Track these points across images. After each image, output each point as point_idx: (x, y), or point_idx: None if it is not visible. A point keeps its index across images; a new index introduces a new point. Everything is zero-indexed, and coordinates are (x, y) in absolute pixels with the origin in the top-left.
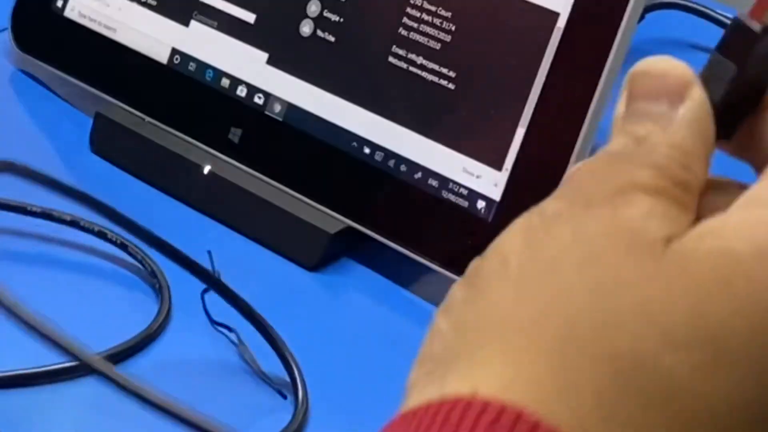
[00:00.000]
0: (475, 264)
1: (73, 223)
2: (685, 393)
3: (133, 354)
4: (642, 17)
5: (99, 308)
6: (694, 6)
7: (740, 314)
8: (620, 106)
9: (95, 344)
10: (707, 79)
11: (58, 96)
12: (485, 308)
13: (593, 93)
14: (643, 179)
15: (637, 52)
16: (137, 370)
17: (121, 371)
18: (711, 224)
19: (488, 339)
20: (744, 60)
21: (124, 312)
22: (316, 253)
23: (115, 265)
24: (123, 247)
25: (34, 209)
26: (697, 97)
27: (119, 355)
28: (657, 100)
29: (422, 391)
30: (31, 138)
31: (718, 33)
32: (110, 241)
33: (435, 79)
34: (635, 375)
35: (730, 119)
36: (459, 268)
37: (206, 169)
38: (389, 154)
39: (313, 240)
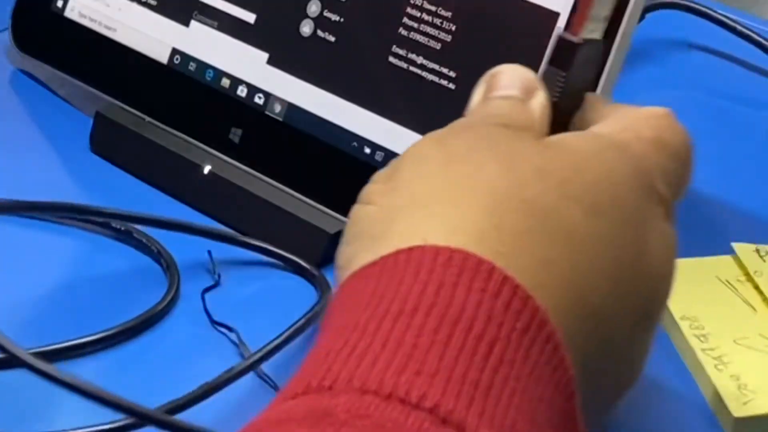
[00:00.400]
0: (385, 171)
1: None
2: (578, 231)
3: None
4: (642, 17)
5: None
6: (695, 6)
7: (609, 173)
8: (476, 97)
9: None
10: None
11: (58, 96)
12: (414, 189)
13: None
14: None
15: (638, 52)
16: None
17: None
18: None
19: (423, 207)
20: (568, 68)
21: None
22: (317, 253)
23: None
24: (127, 233)
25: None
26: (543, 95)
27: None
28: (513, 89)
29: (365, 257)
30: (31, 138)
31: (718, 33)
32: (115, 229)
33: (435, 79)
34: (543, 219)
35: (562, 117)
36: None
37: (206, 169)
38: (389, 154)
39: (313, 240)
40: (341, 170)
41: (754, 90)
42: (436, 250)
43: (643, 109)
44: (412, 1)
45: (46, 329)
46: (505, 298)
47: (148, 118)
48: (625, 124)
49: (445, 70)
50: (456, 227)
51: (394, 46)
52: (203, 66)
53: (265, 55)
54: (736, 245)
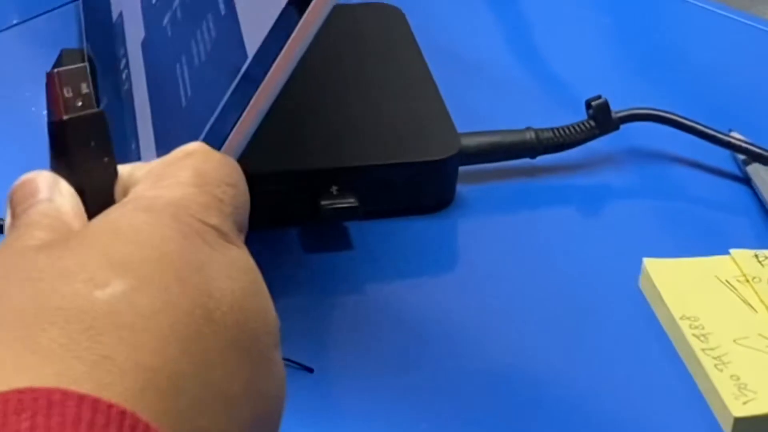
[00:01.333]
0: None
1: None
2: (124, 314)
3: None
4: (617, 127)
5: None
6: (670, 117)
7: (138, 234)
8: (8, 219)
9: None
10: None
11: None
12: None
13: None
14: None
15: (612, 162)
16: None
17: None
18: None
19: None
20: (68, 149)
21: None
22: None
23: None
24: None
25: None
26: (64, 185)
27: None
28: (37, 194)
29: None
30: None
31: (694, 143)
32: None
33: (182, 93)
34: (77, 320)
35: (100, 198)
36: None
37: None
38: (137, 154)
39: None
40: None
41: (728, 197)
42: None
43: (173, 153)
44: (207, 17)
45: None
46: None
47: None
48: (159, 175)
49: (188, 87)
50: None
51: (183, 55)
52: (123, 33)
53: (143, 35)
54: (733, 251)
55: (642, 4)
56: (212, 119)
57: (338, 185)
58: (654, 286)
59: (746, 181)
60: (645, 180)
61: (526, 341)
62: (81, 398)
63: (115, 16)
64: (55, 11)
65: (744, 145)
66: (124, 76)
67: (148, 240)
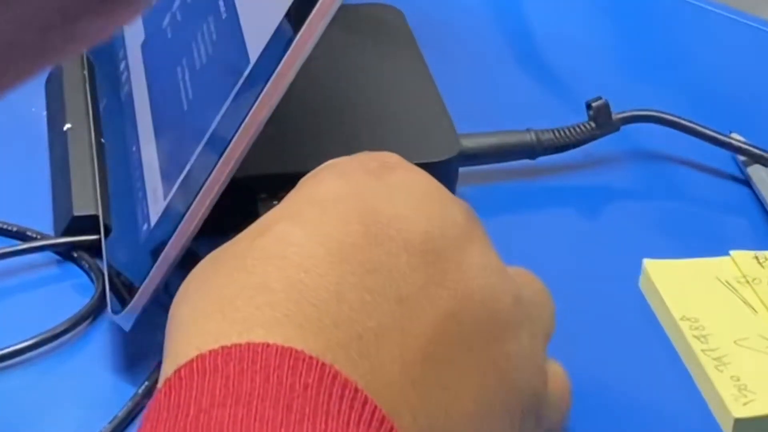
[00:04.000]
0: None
1: None
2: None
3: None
4: (617, 128)
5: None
6: (670, 118)
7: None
8: None
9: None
10: None
11: None
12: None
13: (222, 154)
14: None
15: (613, 163)
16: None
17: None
18: None
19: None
20: None
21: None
22: (60, 229)
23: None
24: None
25: None
26: None
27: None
28: None
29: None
30: None
31: (695, 144)
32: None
33: (183, 96)
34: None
35: None
36: (111, 278)
37: (66, 126)
38: (139, 158)
39: (61, 217)
40: (118, 163)
41: (728, 198)
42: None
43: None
44: (208, 19)
45: None
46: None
47: (85, 68)
48: None
49: (189, 90)
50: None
51: (184, 59)
52: (122, 33)
53: (143, 37)
54: (733, 253)
55: (642, 5)
56: (214, 124)
57: None
58: (654, 286)
59: (747, 182)
60: (645, 181)
61: None
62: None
63: None
64: None
65: (744, 146)
66: (123, 78)
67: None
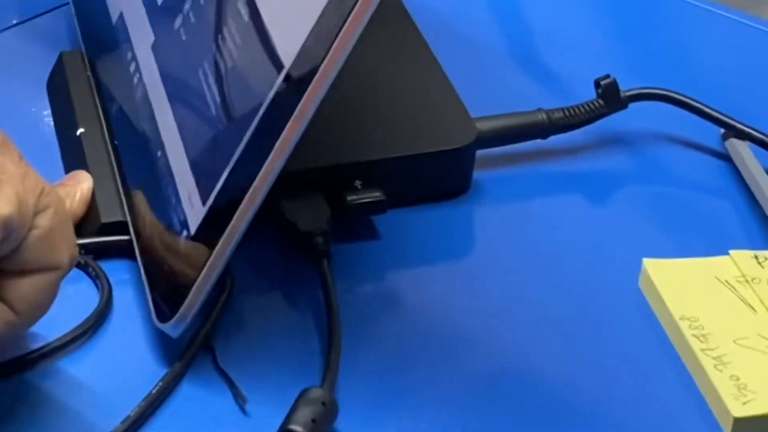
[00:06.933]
0: None
1: None
2: None
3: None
4: (625, 106)
5: None
6: (677, 97)
7: None
8: None
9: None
10: None
11: None
12: None
13: (266, 158)
14: None
15: (621, 142)
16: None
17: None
18: None
19: None
20: None
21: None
22: (90, 236)
23: None
24: None
25: None
26: None
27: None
28: None
29: None
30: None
31: (700, 124)
32: None
33: (210, 101)
34: None
35: None
36: (154, 291)
37: (79, 131)
38: (165, 163)
39: (90, 223)
40: (143, 167)
41: (729, 197)
42: None
43: None
44: (228, 22)
45: None
46: None
47: (88, 70)
48: None
49: (216, 96)
50: None
51: (205, 61)
52: (126, 34)
53: (152, 39)
54: (733, 252)
55: (642, 5)
56: (253, 126)
57: (361, 179)
58: (654, 286)
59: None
60: (651, 160)
61: (525, 341)
62: None
63: (114, 17)
64: (55, 11)
65: (747, 129)
66: (135, 80)
67: None
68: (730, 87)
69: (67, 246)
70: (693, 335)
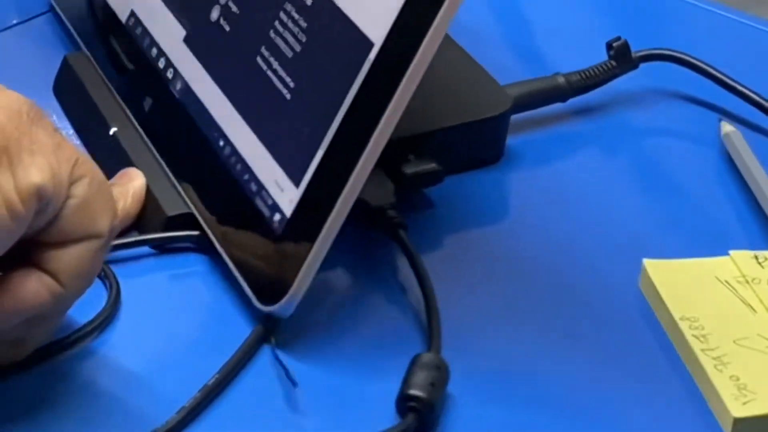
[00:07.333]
0: None
1: None
2: None
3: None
4: (636, 66)
5: None
6: (685, 58)
7: None
8: None
9: None
10: None
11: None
12: None
13: (373, 131)
14: None
15: (631, 101)
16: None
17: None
18: None
19: None
20: None
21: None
22: (156, 231)
23: None
24: None
25: None
26: None
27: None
28: None
29: None
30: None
31: (709, 87)
32: None
33: (280, 86)
34: None
35: None
36: (249, 277)
37: (112, 131)
38: (233, 151)
39: (153, 218)
40: (201, 157)
41: (728, 197)
42: None
43: None
44: (285, 7)
45: None
46: None
47: (99, 71)
48: None
49: (288, 79)
50: None
51: (263, 47)
52: (144, 32)
53: (183, 32)
54: (733, 253)
55: (641, 5)
56: (347, 102)
57: (414, 153)
58: (654, 286)
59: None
60: (663, 118)
61: (524, 341)
62: None
63: (124, 17)
64: (55, 11)
65: (753, 95)
66: (169, 74)
67: None
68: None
69: (107, 214)
70: (693, 335)
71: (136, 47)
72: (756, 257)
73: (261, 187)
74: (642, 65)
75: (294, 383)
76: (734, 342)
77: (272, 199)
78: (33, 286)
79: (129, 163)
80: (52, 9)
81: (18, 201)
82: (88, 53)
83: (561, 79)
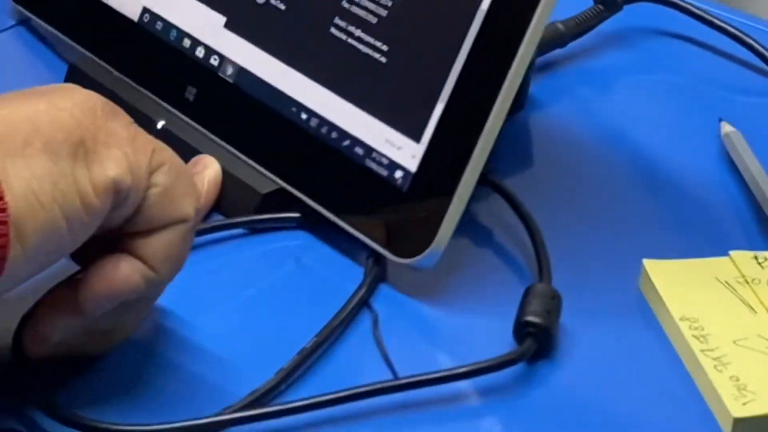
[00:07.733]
0: None
1: None
2: None
3: None
4: (620, 8)
5: None
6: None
7: None
8: None
9: None
10: None
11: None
12: None
13: (506, 74)
14: None
15: (617, 40)
16: None
17: None
18: None
19: None
20: None
21: None
22: (247, 212)
23: None
24: None
25: None
26: None
27: None
28: None
29: None
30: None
31: (693, 25)
32: None
33: (369, 51)
34: None
35: None
36: (375, 235)
37: (160, 124)
38: (323, 121)
39: (245, 198)
40: (281, 134)
41: (728, 77)
42: None
43: None
44: None
45: None
46: None
47: (116, 72)
48: None
49: (378, 44)
50: None
51: (337, 18)
52: (168, 26)
53: (223, 19)
54: (733, 253)
55: (641, 7)
56: (461, 59)
57: None
58: (654, 287)
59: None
60: (650, 56)
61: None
62: None
63: (135, 16)
64: None
65: (738, 33)
66: (213, 61)
67: None
68: (729, 87)
69: (190, 197)
70: (693, 336)
71: (158, 42)
72: (756, 257)
73: (370, 149)
74: (625, 7)
75: (395, 374)
76: (734, 342)
77: (387, 158)
78: (126, 270)
79: (191, 152)
80: (23, 22)
81: (93, 195)
82: (94, 57)
83: (560, 26)
